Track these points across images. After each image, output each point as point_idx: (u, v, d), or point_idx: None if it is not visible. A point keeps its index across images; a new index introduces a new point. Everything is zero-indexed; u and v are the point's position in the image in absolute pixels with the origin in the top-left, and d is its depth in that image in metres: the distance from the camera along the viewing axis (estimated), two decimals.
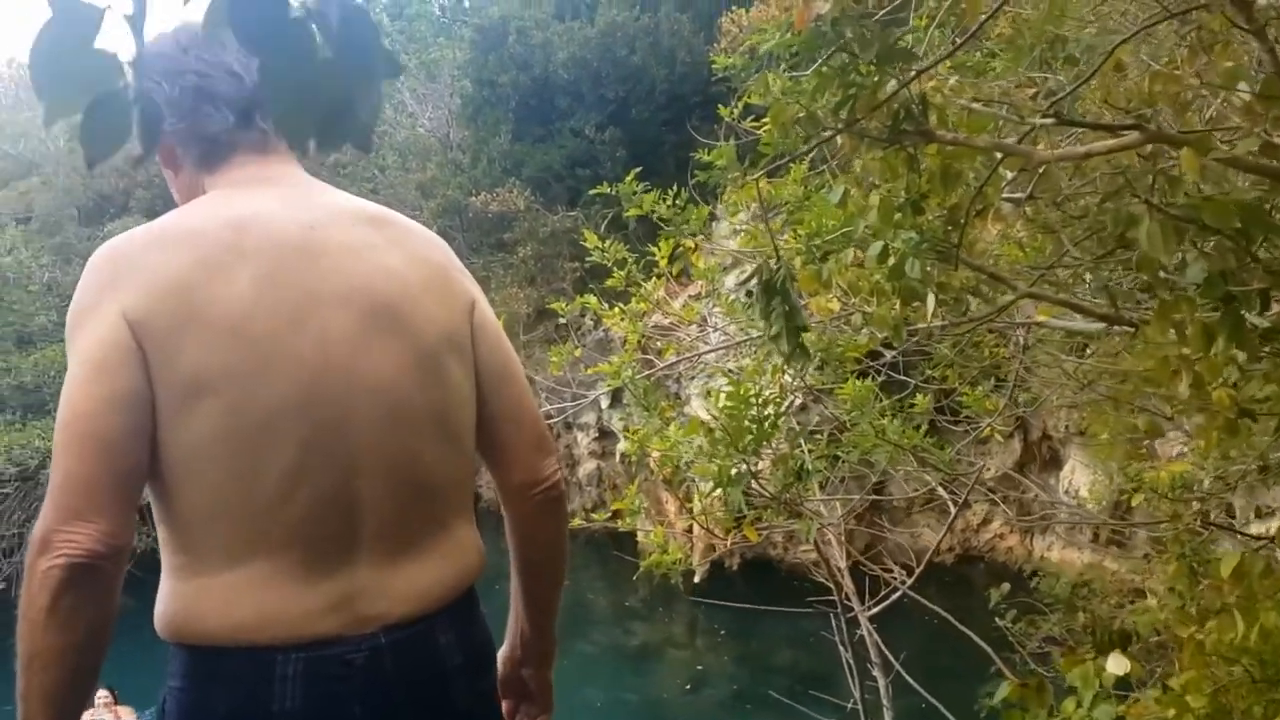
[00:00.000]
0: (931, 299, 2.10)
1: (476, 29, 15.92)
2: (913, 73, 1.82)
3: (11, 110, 22.22)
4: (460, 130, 15.99)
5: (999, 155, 1.91)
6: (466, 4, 22.63)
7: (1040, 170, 2.08)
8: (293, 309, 1.37)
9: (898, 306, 2.25)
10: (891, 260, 2.12)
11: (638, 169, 4.40)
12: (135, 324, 1.30)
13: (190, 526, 1.36)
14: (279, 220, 1.43)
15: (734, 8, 12.74)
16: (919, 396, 4.31)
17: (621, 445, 13.27)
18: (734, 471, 2.95)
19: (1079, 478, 12.31)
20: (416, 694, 1.44)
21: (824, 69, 1.81)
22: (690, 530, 10.99)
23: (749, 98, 4.26)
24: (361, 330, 1.41)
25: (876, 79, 1.78)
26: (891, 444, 3.15)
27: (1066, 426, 12.56)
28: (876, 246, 2.15)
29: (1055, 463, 13.79)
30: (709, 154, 4.88)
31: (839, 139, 1.91)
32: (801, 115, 1.89)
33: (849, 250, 2.21)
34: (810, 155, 2.24)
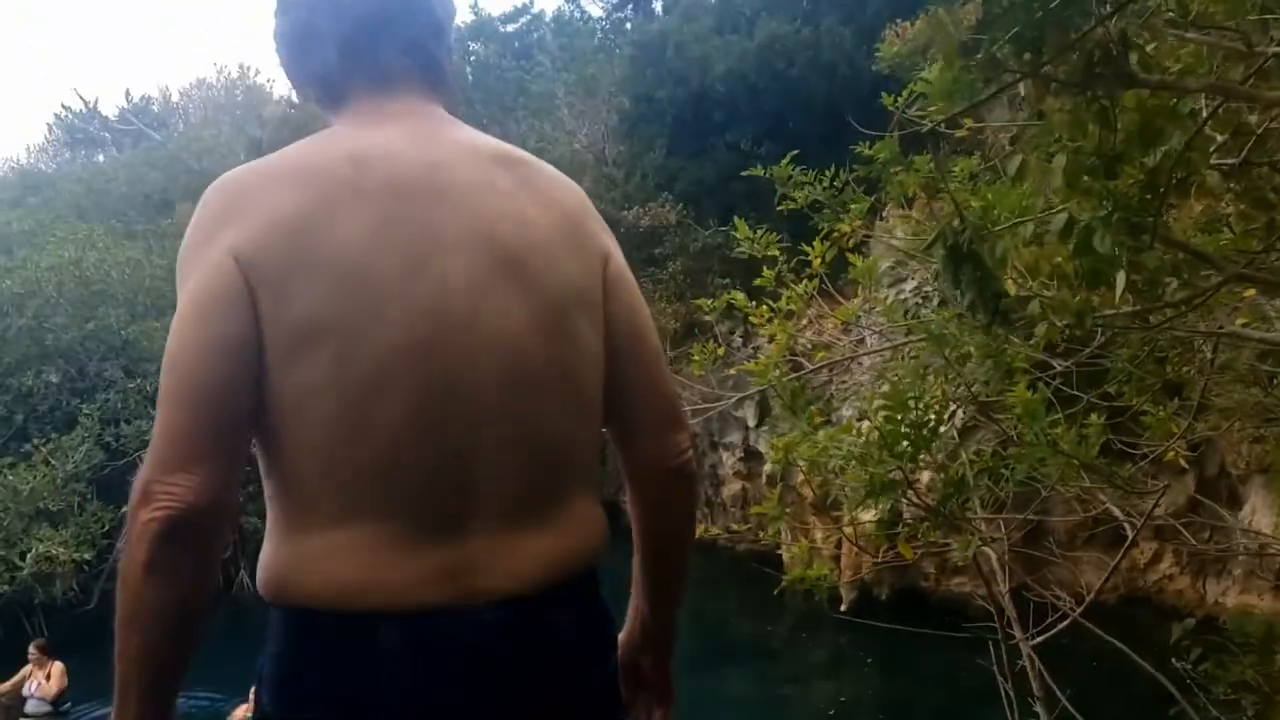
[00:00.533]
0: (1122, 278, 1.83)
1: (635, 44, 15.99)
2: (1109, 7, 1.56)
3: (198, 128, 23.49)
4: (616, 145, 16.05)
5: (1209, 107, 1.64)
6: (628, 25, 22.84)
7: (1259, 132, 1.79)
8: (412, 253, 1.26)
9: (1082, 290, 1.98)
10: (1076, 235, 1.86)
11: (795, 153, 4.19)
12: (245, 264, 1.21)
13: (295, 483, 1.26)
14: (401, 157, 1.32)
15: (899, 20, 12.39)
16: (1092, 415, 3.95)
17: (768, 466, 13.05)
18: (889, 478, 2.70)
19: (1262, 518, 11.45)
20: (527, 675, 1.29)
21: (1007, 3, 1.57)
22: (838, 550, 10.63)
23: (916, 86, 4.01)
24: (485, 279, 1.29)
25: (1068, 12, 1.54)
26: (1065, 457, 2.84)
27: (1248, 463, 11.69)
28: (1060, 219, 1.89)
29: (1235, 501, 12.85)
30: (870, 147, 4.65)
31: (1021, 86, 1.67)
32: (979, 56, 1.66)
33: (1027, 226, 1.96)
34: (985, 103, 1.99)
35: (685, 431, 1.47)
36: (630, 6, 24.51)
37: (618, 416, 1.44)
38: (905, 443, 2.80)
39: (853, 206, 3.73)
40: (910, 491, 2.78)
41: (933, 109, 4.13)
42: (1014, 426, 3.44)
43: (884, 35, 12.82)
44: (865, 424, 3.00)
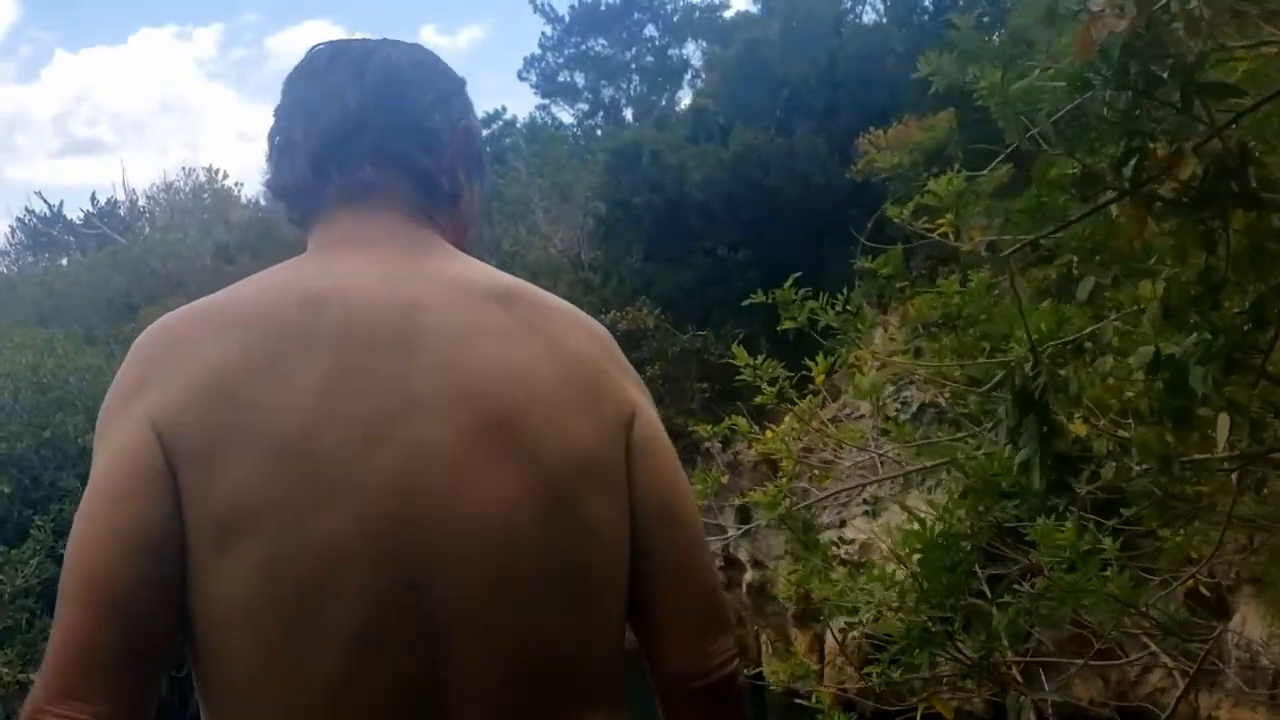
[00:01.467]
0: (1225, 421, 1.59)
1: (611, 151, 16.04)
2: (1231, 115, 1.35)
3: (164, 231, 23.29)
4: (592, 250, 16.00)
5: None
6: (599, 132, 23.07)
7: None
8: (373, 417, 1.01)
9: (1168, 430, 1.74)
10: (1166, 369, 1.63)
11: (796, 274, 4.00)
12: (165, 435, 0.99)
13: (226, 709, 0.99)
14: (369, 295, 1.06)
15: (872, 129, 12.47)
16: (1107, 540, 3.70)
17: (748, 575, 12.69)
18: (929, 629, 2.42)
19: (1253, 629, 11.22)
20: None
21: (1106, 111, 1.36)
22: (820, 665, 10.23)
23: (924, 199, 3.85)
24: (467, 447, 1.02)
25: (1179, 122, 1.33)
26: (1118, 603, 2.57)
27: (1238, 572, 11.50)
28: (1147, 351, 1.66)
29: (1223, 611, 12.57)
30: (871, 260, 4.46)
31: (1114, 206, 1.45)
32: (1075, 172, 1.44)
33: (1104, 360, 1.72)
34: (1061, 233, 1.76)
35: (729, 637, 1.16)
36: (601, 114, 24.82)
37: (642, 615, 1.14)
38: (942, 585, 2.53)
39: (865, 325, 3.52)
40: (951, 643, 2.50)
41: (941, 222, 3.97)
42: (1048, 560, 3.19)
43: (857, 143, 12.93)
44: (893, 567, 2.73)
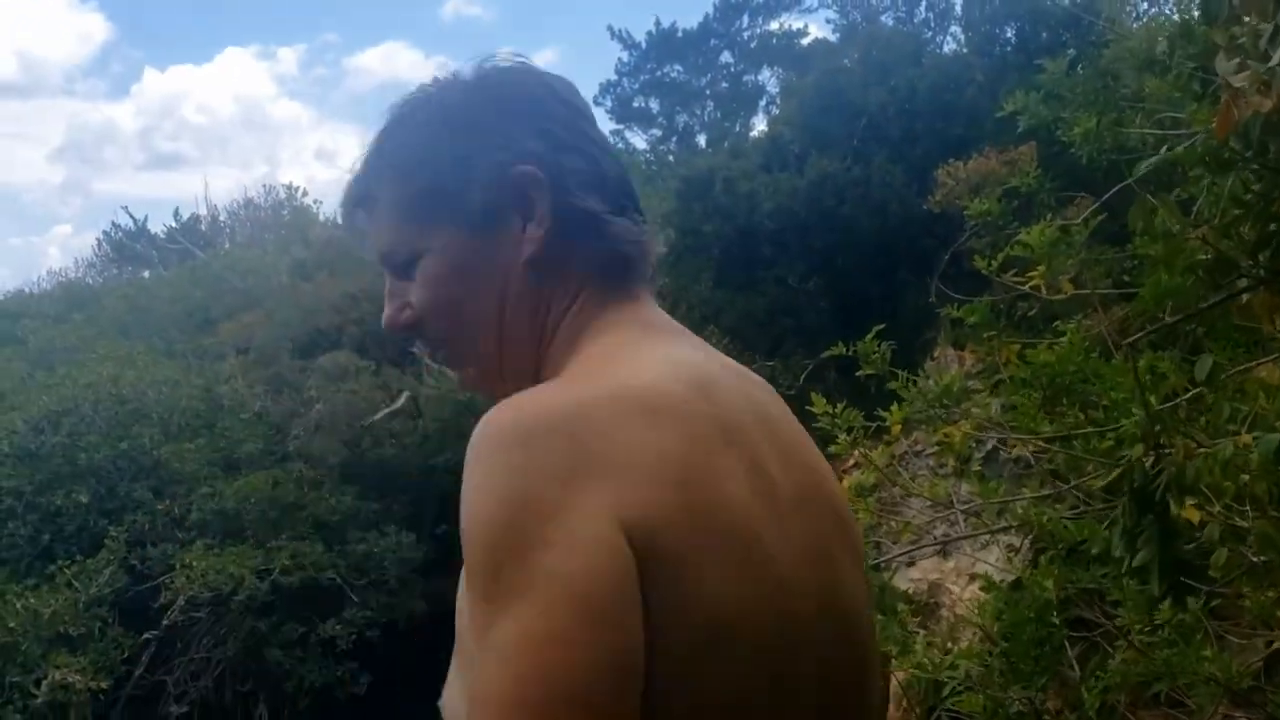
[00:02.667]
0: None
1: (682, 179, 16.00)
2: None
3: (244, 247, 23.77)
4: (661, 276, 15.90)
5: None
6: (671, 158, 23.06)
7: None
8: (784, 515, 0.94)
9: None
10: None
11: (880, 326, 3.89)
12: (639, 538, 0.82)
13: None
14: (727, 385, 1.00)
15: (951, 160, 12.28)
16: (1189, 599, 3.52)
17: None
18: (1015, 709, 2.30)
19: None
20: None
21: (1243, 195, 1.26)
22: None
23: (1014, 250, 3.73)
24: (842, 554, 1.01)
25: None
26: (1218, 685, 2.43)
27: None
28: (1273, 440, 1.54)
29: None
30: (955, 307, 4.34)
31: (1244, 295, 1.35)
32: (1207, 258, 1.33)
33: (1225, 446, 1.61)
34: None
35: None
36: (674, 140, 24.83)
37: None
38: (1031, 662, 2.41)
39: (954, 384, 3.41)
40: None
41: (1033, 274, 3.84)
42: (1136, 627, 3.04)
43: (935, 174, 12.73)
44: (975, 635, 2.62)
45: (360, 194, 1.10)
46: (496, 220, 1.04)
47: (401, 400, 16.59)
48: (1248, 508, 1.87)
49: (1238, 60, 1.20)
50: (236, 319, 18.61)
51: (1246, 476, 1.83)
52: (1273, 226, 1.29)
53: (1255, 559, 1.72)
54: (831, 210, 13.86)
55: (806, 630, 0.91)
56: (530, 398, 0.90)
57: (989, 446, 7.93)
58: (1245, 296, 1.37)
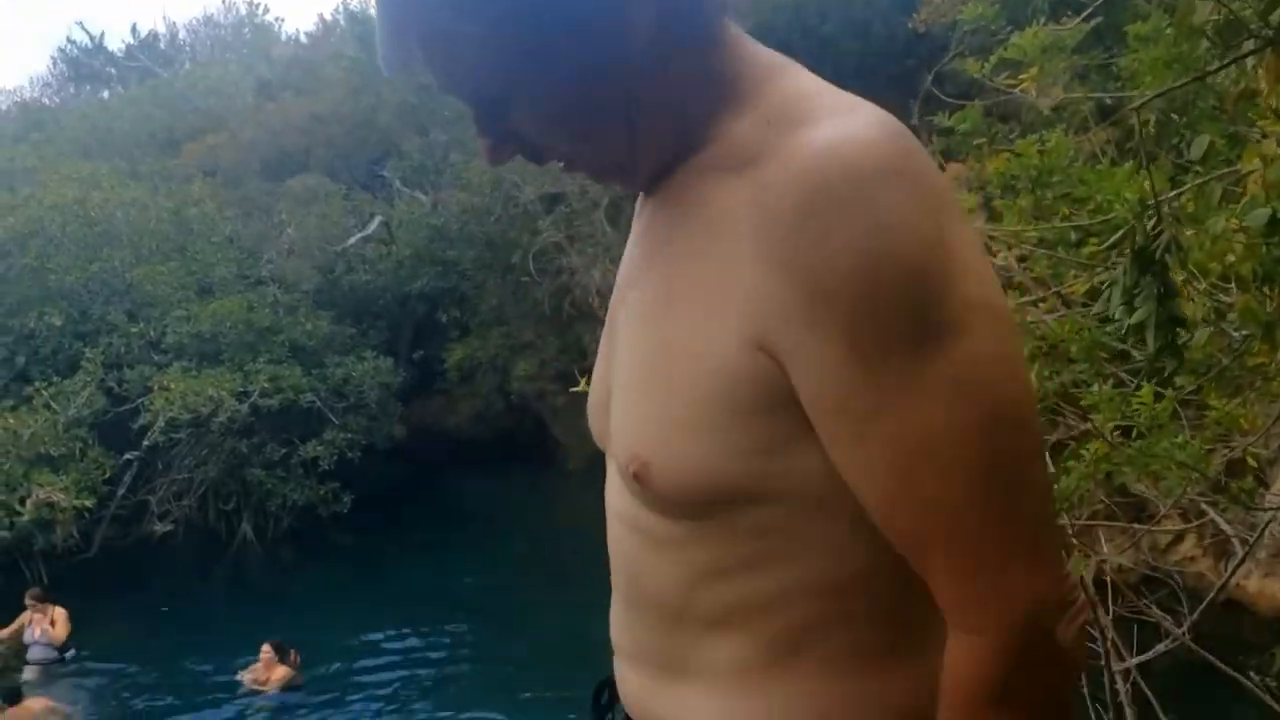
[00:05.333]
0: None
1: None
2: None
3: (205, 66, 23.01)
4: None
5: None
6: None
7: None
8: None
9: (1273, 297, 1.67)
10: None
11: None
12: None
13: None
14: None
15: None
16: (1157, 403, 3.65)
17: None
18: None
19: None
20: None
21: None
22: None
23: (1007, 51, 3.68)
24: None
25: None
26: (1187, 469, 2.54)
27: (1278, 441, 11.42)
28: (1262, 214, 1.58)
29: (1261, 481, 12.54)
30: (941, 115, 4.30)
31: (1251, 59, 1.35)
32: (1216, 18, 1.33)
33: (1216, 220, 1.64)
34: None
35: None
36: None
37: None
38: None
39: (965, 201, 3.40)
40: None
41: (1024, 77, 3.80)
42: (1111, 425, 3.14)
43: None
44: None
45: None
46: None
47: (374, 225, 16.43)
48: (1233, 286, 1.92)
49: None
50: (200, 140, 18.17)
51: (1233, 257, 1.87)
52: None
53: (1235, 334, 1.78)
54: (814, 29, 13.53)
55: None
56: (846, 138, 0.80)
57: None
58: (1252, 61, 1.37)
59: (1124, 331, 1.47)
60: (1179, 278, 1.96)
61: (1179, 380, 2.90)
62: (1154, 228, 1.44)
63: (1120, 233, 1.47)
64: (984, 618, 0.79)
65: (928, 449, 0.77)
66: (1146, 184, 1.82)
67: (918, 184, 0.79)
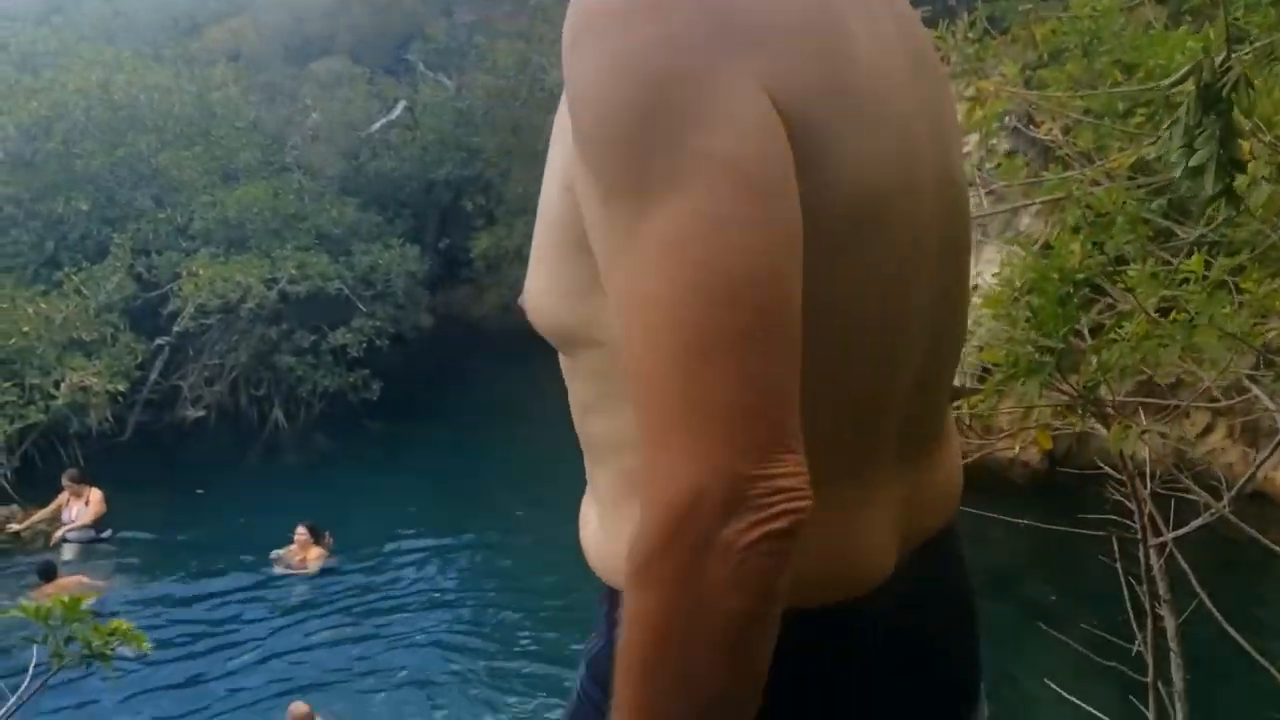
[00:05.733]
0: None
1: None
2: None
3: None
4: None
5: None
6: None
7: None
8: (905, 82, 0.86)
9: None
10: None
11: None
12: (787, 108, 0.73)
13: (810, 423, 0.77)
14: None
15: None
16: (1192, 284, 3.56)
17: None
18: (1037, 359, 2.35)
19: None
20: (942, 620, 1.01)
21: None
22: None
23: None
24: (951, 124, 0.97)
25: None
26: (1235, 339, 2.48)
27: None
28: None
29: None
30: None
31: None
32: None
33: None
34: None
35: None
36: None
37: None
38: (1056, 315, 2.45)
39: (988, 55, 3.27)
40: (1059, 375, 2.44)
41: None
42: (1152, 302, 3.08)
43: None
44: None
45: None
46: None
47: (398, 110, 16.23)
48: None
49: None
50: (223, 23, 17.89)
51: None
52: None
53: None
54: None
55: (930, 205, 0.86)
56: None
57: (1012, 126, 7.79)
58: None
59: (1179, 175, 1.39)
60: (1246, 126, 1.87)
61: (1220, 260, 2.82)
62: (1223, 63, 1.36)
63: (1184, 70, 1.37)
64: (645, 489, 0.70)
65: (634, 306, 0.72)
66: (1212, 32, 1.72)
67: (681, 19, 0.72)
